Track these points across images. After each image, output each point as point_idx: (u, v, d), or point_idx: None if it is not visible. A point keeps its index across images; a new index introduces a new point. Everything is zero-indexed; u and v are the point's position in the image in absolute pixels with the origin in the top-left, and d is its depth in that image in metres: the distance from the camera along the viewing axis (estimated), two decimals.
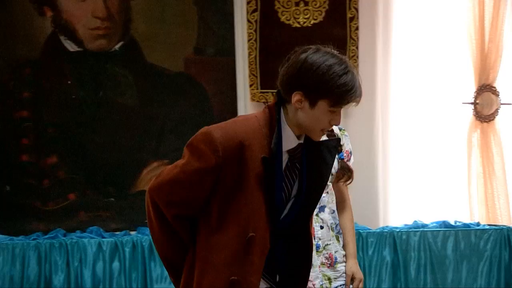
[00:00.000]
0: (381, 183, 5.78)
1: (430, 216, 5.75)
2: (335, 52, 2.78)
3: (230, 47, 5.55)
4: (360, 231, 5.50)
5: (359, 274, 3.96)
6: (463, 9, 5.67)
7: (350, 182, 4.01)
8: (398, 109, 5.80)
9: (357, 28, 5.56)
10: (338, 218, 3.97)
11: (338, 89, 2.70)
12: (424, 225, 5.68)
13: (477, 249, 5.59)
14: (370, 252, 5.53)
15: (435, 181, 5.84)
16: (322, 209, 3.87)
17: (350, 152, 4.04)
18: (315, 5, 5.51)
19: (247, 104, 5.55)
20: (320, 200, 3.64)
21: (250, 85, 5.52)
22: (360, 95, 2.76)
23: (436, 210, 5.79)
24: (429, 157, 5.85)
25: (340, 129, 3.99)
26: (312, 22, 5.51)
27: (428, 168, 5.85)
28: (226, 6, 5.54)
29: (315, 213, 3.71)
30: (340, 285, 3.92)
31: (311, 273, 3.61)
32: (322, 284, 3.87)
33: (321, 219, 3.87)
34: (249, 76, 5.52)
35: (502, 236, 5.56)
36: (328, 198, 3.90)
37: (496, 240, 5.55)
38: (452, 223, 5.70)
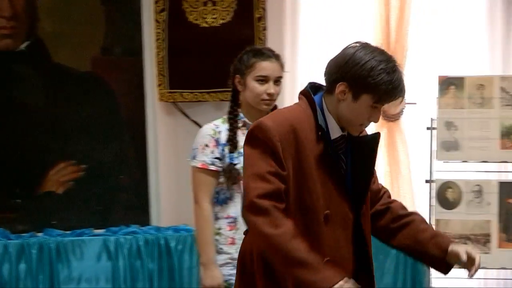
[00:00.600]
0: None
1: None
2: (384, 50, 2.86)
3: (138, 47, 5.54)
4: None
5: None
6: (369, 10, 5.71)
7: None
8: None
9: (264, 28, 5.57)
10: None
11: (384, 86, 2.79)
12: None
13: (383, 246, 5.54)
14: None
15: None
16: None
17: None
18: (223, 5, 5.52)
19: (156, 104, 5.54)
20: None
21: (159, 85, 5.52)
22: (404, 95, 2.88)
23: None
24: None
25: None
26: (220, 22, 5.52)
27: None
28: (133, 6, 5.52)
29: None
30: None
31: None
32: None
33: None
34: (157, 76, 5.52)
35: None
36: None
37: None
38: None
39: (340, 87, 2.81)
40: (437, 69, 5.63)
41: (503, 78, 5.31)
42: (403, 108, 5.75)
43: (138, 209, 5.49)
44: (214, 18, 5.52)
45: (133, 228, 5.39)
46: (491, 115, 5.27)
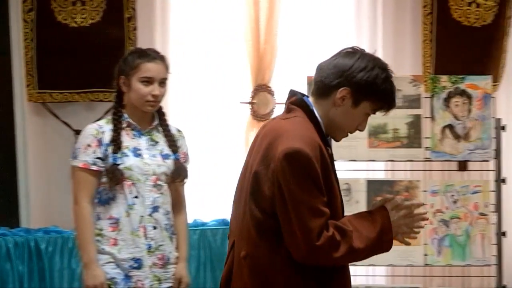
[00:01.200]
0: None
1: (209, 215, 5.80)
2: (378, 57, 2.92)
3: (5, 47, 5.49)
4: None
5: (186, 278, 4.01)
6: (239, 10, 5.78)
7: (186, 182, 4.06)
8: (178, 109, 5.79)
9: (135, 28, 5.60)
10: (173, 219, 4.00)
11: (387, 94, 2.83)
12: (203, 224, 5.72)
13: None
14: None
15: (214, 179, 5.91)
16: (156, 209, 3.89)
17: (187, 154, 4.07)
18: (92, 5, 5.52)
19: (24, 105, 5.50)
20: (154, 201, 3.87)
21: (27, 85, 5.49)
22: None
23: (215, 208, 5.83)
24: (209, 157, 5.91)
25: (178, 131, 4.05)
26: (90, 22, 5.51)
27: (208, 167, 5.90)
28: (1, 5, 5.45)
29: (148, 213, 3.84)
30: (169, 287, 3.96)
31: (140, 273, 3.86)
32: (152, 285, 3.88)
33: (155, 219, 3.88)
34: (26, 76, 5.49)
35: None
36: (163, 199, 3.91)
37: None
38: None
39: (342, 92, 2.80)
40: (306, 69, 5.58)
41: None
42: (273, 108, 5.84)
43: (7, 211, 5.43)
44: (83, 18, 5.51)
45: (2, 230, 5.31)
46: None
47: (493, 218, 5.09)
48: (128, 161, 3.84)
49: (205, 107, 5.93)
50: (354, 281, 4.96)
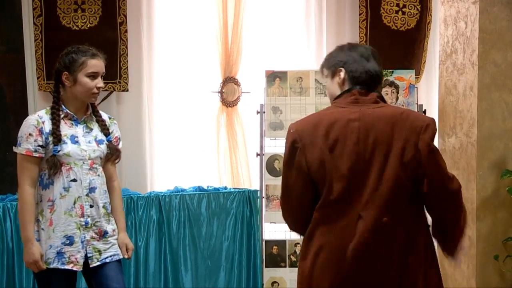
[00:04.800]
0: (148, 157, 6.08)
1: (188, 182, 6.10)
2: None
3: (20, 46, 5.67)
4: (132, 195, 5.75)
5: (130, 244, 4.09)
6: (211, 16, 6.17)
7: (118, 161, 4.12)
8: (162, 97, 6.16)
9: (126, 31, 5.86)
10: (108, 197, 4.02)
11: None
12: (183, 190, 5.99)
13: (225, 207, 6.01)
14: (140, 213, 5.77)
15: (191, 154, 6.23)
16: (92, 190, 3.93)
17: (119, 138, 4.13)
18: (91, 11, 5.74)
19: (35, 93, 5.71)
20: (90, 182, 3.90)
21: (38, 77, 5.68)
22: None
23: (193, 177, 6.17)
24: (187, 136, 6.24)
25: (109, 118, 4.13)
26: (89, 25, 5.74)
27: (186, 145, 6.24)
28: (15, 11, 5.66)
29: (85, 193, 3.89)
30: (111, 255, 3.99)
31: (73, 249, 3.86)
32: (91, 256, 3.91)
33: (91, 198, 3.92)
34: (37, 70, 5.67)
35: (244, 197, 6.05)
36: (99, 180, 3.95)
37: (239, 200, 6.02)
38: (205, 187, 6.05)
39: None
40: (265, 64, 6.14)
41: (317, 72, 5.24)
42: (240, 96, 6.30)
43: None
44: (83, 22, 5.72)
45: None
46: (308, 101, 5.71)
47: None
48: (66, 148, 3.85)
49: (184, 95, 6.20)
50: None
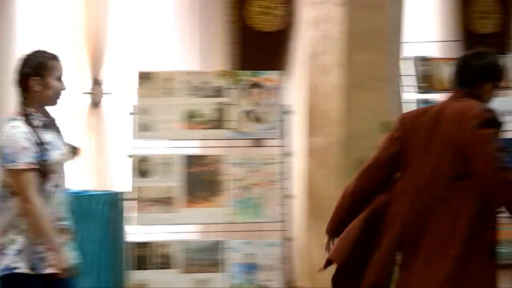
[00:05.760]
0: None
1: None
2: None
3: None
4: None
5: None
6: (81, 24, 6.25)
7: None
8: None
9: None
10: None
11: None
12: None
13: (89, 210, 5.85)
14: None
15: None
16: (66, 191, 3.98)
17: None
18: None
19: None
20: (64, 185, 3.93)
21: None
22: None
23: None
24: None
25: None
26: None
27: None
28: None
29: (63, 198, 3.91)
30: None
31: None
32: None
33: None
34: None
35: (109, 199, 5.96)
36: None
37: (104, 202, 5.91)
38: (70, 189, 5.40)
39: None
40: (137, 65, 6.15)
41: (188, 73, 5.93)
42: (106, 96, 6.37)
43: None
44: None
45: None
46: (177, 102, 5.81)
47: (281, 184, 5.72)
48: (52, 155, 3.82)
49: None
50: (167, 237, 5.67)
